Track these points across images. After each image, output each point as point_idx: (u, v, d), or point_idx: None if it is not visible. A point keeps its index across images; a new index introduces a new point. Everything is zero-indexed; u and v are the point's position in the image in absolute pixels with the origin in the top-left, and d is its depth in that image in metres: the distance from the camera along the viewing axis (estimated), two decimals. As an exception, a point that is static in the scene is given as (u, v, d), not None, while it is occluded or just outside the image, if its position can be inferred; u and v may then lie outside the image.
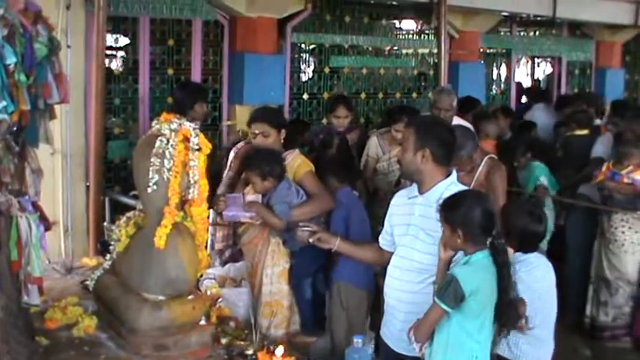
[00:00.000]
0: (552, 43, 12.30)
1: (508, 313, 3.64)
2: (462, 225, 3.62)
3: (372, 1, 9.49)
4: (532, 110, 10.27)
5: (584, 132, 7.94)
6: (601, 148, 7.39)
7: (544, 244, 6.34)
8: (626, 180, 6.86)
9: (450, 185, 3.98)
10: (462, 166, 5.09)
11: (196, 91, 6.82)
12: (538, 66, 13.38)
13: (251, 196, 5.22)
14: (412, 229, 4.01)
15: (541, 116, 9.77)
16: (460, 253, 3.73)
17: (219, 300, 4.99)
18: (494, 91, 11.66)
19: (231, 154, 5.84)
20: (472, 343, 3.63)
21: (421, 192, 4.03)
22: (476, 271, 3.60)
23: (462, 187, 4.03)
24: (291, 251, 5.26)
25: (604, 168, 7.00)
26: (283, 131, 5.51)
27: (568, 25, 12.31)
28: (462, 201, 3.68)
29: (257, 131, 5.44)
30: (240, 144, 5.87)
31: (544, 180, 7.49)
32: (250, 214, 5.12)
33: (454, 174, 4.07)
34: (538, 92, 10.89)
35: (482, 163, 5.58)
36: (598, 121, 8.51)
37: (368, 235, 5.36)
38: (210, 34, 8.33)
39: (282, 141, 5.51)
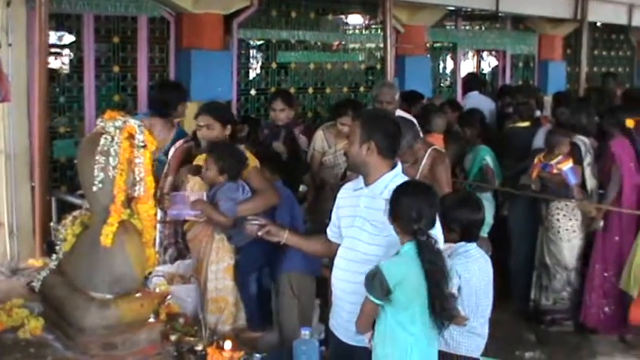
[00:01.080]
0: (496, 36, 12.46)
1: (440, 306, 3.63)
2: (393, 215, 3.69)
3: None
4: (466, 98, 10.36)
5: (526, 124, 8.02)
6: (542, 139, 7.48)
7: (484, 232, 6.46)
8: (555, 171, 7.02)
9: (395, 177, 4.01)
10: (403, 157, 5.11)
11: (179, 90, 6.73)
12: (483, 59, 13.50)
13: (195, 194, 5.18)
14: (358, 220, 4.02)
15: (473, 104, 9.83)
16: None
17: (168, 297, 4.95)
18: (442, 84, 11.75)
19: (170, 152, 5.81)
20: (406, 335, 3.65)
21: (367, 184, 4.06)
22: (401, 263, 3.64)
23: (408, 179, 4.06)
24: (236, 247, 5.23)
25: (536, 160, 7.15)
26: (229, 127, 5.48)
27: (511, 19, 12.47)
28: (396, 192, 3.75)
29: (202, 123, 5.45)
30: (179, 142, 5.83)
31: (489, 160, 7.58)
32: (195, 212, 5.09)
33: (399, 166, 4.10)
34: (472, 80, 10.99)
35: (426, 155, 5.64)
36: (538, 113, 8.61)
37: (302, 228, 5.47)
38: (156, 31, 8.26)
39: (228, 137, 5.48)
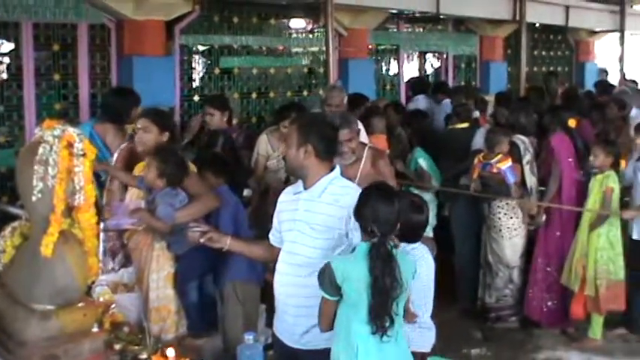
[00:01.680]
0: (438, 38, 12.61)
1: (376, 310, 3.63)
2: (355, 213, 3.73)
3: (261, 1, 9.46)
4: (413, 102, 10.45)
5: (465, 125, 8.12)
6: (481, 139, 7.57)
7: (429, 232, 6.52)
8: (494, 170, 7.11)
9: (334, 179, 4.04)
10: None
11: (132, 96, 6.65)
12: (426, 61, 13.62)
13: (133, 202, 5.15)
14: (298, 224, 4.03)
15: (420, 107, 9.93)
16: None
17: (112, 306, 4.87)
18: (386, 87, 11.81)
19: (115, 155, 5.77)
20: (356, 331, 3.66)
21: (306, 187, 4.07)
22: (350, 260, 3.68)
23: (345, 182, 4.10)
24: (177, 255, 5.19)
25: (476, 161, 7.23)
26: (167, 133, 5.41)
27: (453, 21, 12.63)
28: (363, 191, 3.80)
29: (139, 126, 5.40)
30: (124, 145, 5.80)
31: (422, 162, 7.66)
32: (133, 220, 5.05)
33: (337, 169, 4.12)
34: (418, 83, 11.12)
35: (365, 154, 5.68)
36: (477, 114, 8.72)
37: (247, 234, 5.48)
38: (96, 38, 8.20)
39: (166, 142, 5.40)
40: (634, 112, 8.13)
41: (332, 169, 4.09)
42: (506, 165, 7.11)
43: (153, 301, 5.14)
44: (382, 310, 3.62)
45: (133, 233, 5.21)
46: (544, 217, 7.23)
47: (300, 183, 4.13)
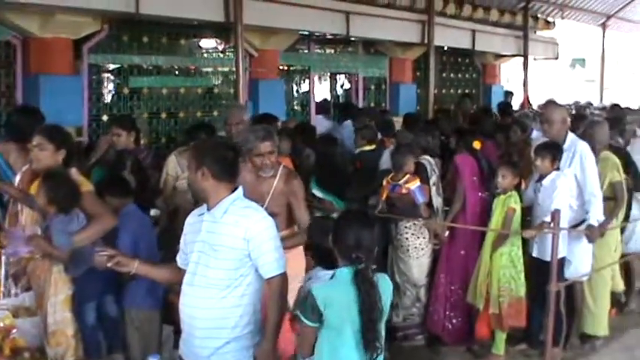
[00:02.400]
0: (349, 60, 12.77)
1: (370, 337, 3.69)
2: (333, 240, 3.81)
3: (171, 21, 9.42)
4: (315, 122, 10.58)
5: (372, 147, 8.22)
6: (387, 160, 7.67)
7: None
8: (404, 190, 7.21)
9: (235, 201, 4.08)
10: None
11: (37, 115, 6.46)
12: (337, 82, 13.77)
13: (29, 229, 5.06)
14: (201, 245, 4.05)
15: (321, 128, 10.06)
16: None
17: (13, 331, 4.78)
18: (296, 107, 11.89)
19: (18, 176, 5.63)
20: (346, 356, 3.70)
21: (208, 209, 4.10)
22: (333, 286, 3.73)
23: (247, 202, 4.14)
24: (74, 277, 5.11)
25: (384, 182, 7.30)
26: (63, 151, 5.28)
27: (363, 43, 12.80)
28: (339, 218, 3.93)
29: (34, 143, 5.26)
30: (25, 167, 5.63)
31: (317, 192, 7.73)
32: (30, 248, 4.95)
33: (240, 190, 4.15)
34: (320, 105, 11.30)
35: (280, 172, 5.70)
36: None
37: (156, 253, 5.48)
38: (1, 55, 8.03)
39: (62, 162, 5.28)
40: (535, 134, 8.37)
41: (234, 189, 4.12)
42: (415, 185, 7.22)
43: (51, 325, 5.03)
44: (373, 336, 3.69)
45: (31, 258, 5.11)
46: (447, 233, 7.36)
47: (204, 205, 4.15)
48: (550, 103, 8.24)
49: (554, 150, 6.88)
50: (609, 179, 7.32)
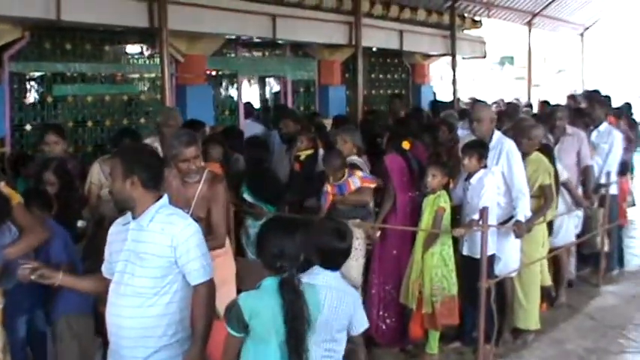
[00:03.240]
0: (277, 63, 12.79)
1: (295, 347, 3.67)
2: (257, 250, 3.82)
3: (94, 28, 9.32)
4: (244, 127, 10.65)
5: (310, 151, 8.34)
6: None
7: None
8: (352, 186, 7.24)
9: (161, 208, 4.09)
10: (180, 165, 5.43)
11: None
12: (266, 86, 13.79)
13: None
14: (127, 254, 4.05)
15: (249, 132, 10.14)
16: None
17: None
18: (225, 112, 11.85)
19: None
20: None
21: (134, 217, 4.10)
22: (259, 296, 3.71)
23: (172, 209, 4.16)
24: (5, 290, 5.00)
25: (328, 189, 7.28)
26: None
27: (290, 46, 12.81)
28: (262, 227, 3.88)
29: None
30: None
31: (247, 197, 7.78)
32: None
33: (165, 198, 4.17)
34: (246, 108, 11.40)
35: (204, 177, 5.71)
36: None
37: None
38: None
39: None
40: (460, 132, 8.54)
41: (160, 197, 4.13)
42: (361, 173, 7.32)
43: (-19, 339, 4.97)
44: (299, 346, 3.67)
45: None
46: (378, 234, 7.44)
47: (129, 213, 4.15)
48: (478, 102, 8.39)
49: (480, 148, 7.02)
50: (540, 182, 7.49)
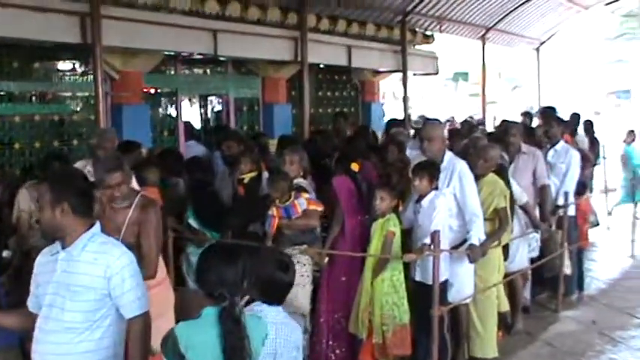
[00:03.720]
0: (219, 80, 12.76)
1: None
2: (197, 279, 3.82)
3: (22, 44, 9.22)
4: (186, 148, 10.66)
5: (254, 173, 8.39)
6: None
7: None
8: (299, 209, 7.30)
9: (93, 237, 4.07)
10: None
11: None
12: (207, 105, 13.73)
13: None
14: (56, 287, 4.01)
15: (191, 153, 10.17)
16: None
17: None
18: (164, 132, 11.78)
19: None
20: None
21: (64, 247, 4.06)
22: (197, 326, 3.70)
23: (105, 238, 4.14)
24: None
25: (274, 212, 7.32)
26: None
27: (233, 63, 12.77)
28: (201, 255, 3.89)
29: None
30: None
31: (192, 222, 7.80)
32: None
33: (97, 225, 4.15)
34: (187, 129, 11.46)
35: (135, 202, 5.70)
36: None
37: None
38: None
39: None
40: (409, 152, 8.59)
41: (92, 225, 4.10)
42: (306, 196, 7.36)
43: None
44: None
45: None
46: (326, 260, 7.46)
47: (57, 243, 4.10)
48: (429, 121, 8.47)
49: (432, 169, 7.09)
50: (495, 205, 7.57)
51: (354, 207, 7.58)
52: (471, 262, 7.17)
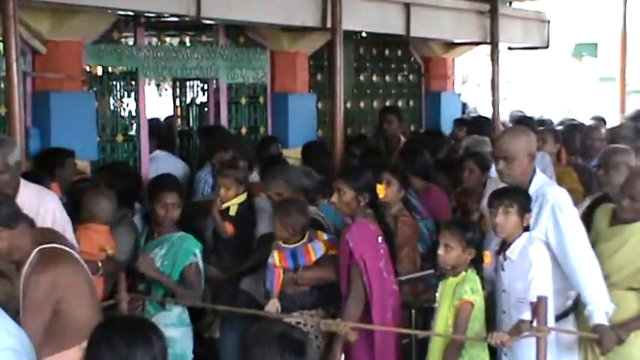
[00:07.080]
0: (203, 56, 12.61)
1: None
2: None
3: None
4: (151, 161, 11.21)
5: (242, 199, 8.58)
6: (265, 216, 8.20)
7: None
8: (313, 256, 7.57)
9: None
10: None
11: None
12: (185, 93, 13.69)
13: None
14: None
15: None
16: None
17: None
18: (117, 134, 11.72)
19: None
20: None
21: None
22: None
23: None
24: None
25: (276, 260, 7.53)
26: None
27: (225, 29, 12.72)
28: (91, 334, 4.24)
29: None
30: None
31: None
32: None
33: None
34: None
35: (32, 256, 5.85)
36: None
37: None
38: None
39: None
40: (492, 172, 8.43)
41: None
42: (324, 238, 7.60)
43: None
44: None
45: None
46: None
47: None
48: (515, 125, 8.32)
49: (521, 198, 6.84)
50: None
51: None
52: (603, 353, 6.89)
